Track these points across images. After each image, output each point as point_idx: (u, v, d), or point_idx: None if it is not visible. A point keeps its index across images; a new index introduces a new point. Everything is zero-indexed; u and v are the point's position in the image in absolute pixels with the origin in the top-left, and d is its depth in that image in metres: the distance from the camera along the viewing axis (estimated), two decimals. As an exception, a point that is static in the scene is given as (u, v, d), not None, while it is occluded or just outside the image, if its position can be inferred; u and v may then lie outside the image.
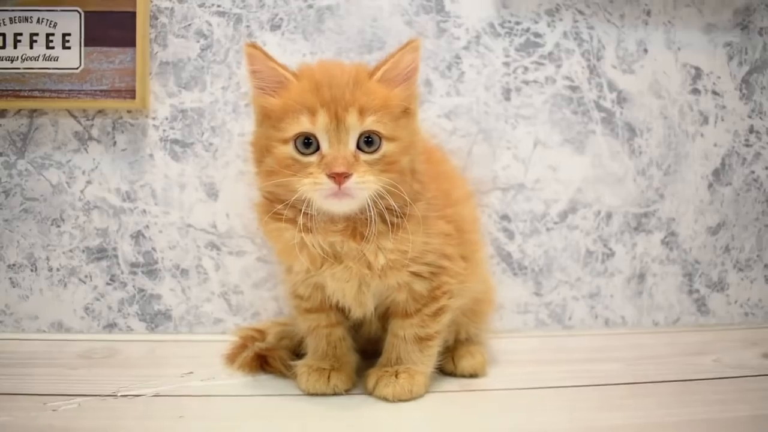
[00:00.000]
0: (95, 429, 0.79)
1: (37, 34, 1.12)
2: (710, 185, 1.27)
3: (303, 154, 0.82)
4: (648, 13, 1.23)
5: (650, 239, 1.26)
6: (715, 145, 1.27)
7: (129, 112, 1.16)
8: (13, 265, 1.16)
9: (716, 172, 1.28)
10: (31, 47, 1.12)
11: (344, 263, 0.86)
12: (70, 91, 1.12)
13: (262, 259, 1.19)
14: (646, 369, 1.02)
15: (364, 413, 0.86)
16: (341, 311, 0.93)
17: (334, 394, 0.90)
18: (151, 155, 1.17)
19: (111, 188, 1.17)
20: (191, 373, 0.98)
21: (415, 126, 0.89)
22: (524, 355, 1.10)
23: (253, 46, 0.85)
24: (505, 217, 1.23)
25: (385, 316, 0.94)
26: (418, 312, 0.90)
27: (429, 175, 0.89)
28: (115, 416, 0.83)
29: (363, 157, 0.82)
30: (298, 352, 1.00)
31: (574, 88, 1.22)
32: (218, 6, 1.16)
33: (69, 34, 1.12)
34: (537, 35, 1.21)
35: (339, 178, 0.79)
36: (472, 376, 0.98)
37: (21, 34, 1.12)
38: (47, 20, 1.12)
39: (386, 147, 0.83)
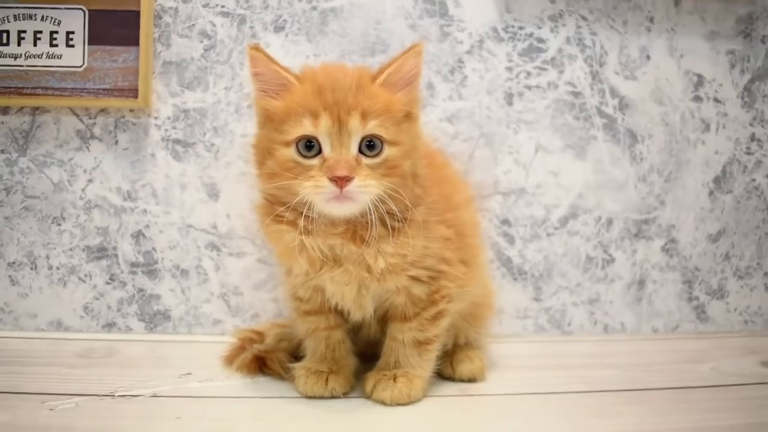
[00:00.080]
0: (93, 429, 0.79)
1: (41, 32, 1.12)
2: (711, 193, 1.27)
3: (305, 157, 0.82)
4: (651, 20, 1.23)
5: (650, 246, 1.26)
6: (717, 152, 1.27)
7: (131, 111, 1.16)
8: (13, 263, 1.16)
9: (717, 180, 1.28)
10: (35, 45, 1.12)
11: (344, 266, 0.86)
12: (72, 89, 1.12)
13: (262, 260, 1.19)
14: (645, 376, 1.02)
15: (361, 417, 0.85)
16: (340, 314, 0.93)
17: (332, 397, 0.90)
18: (152, 155, 1.17)
19: (112, 187, 1.17)
20: (189, 374, 0.98)
21: (417, 130, 0.89)
22: (523, 361, 1.10)
23: (256, 48, 0.85)
24: (505, 222, 1.23)
25: (384, 319, 0.94)
26: (417, 316, 0.90)
27: (430, 179, 0.90)
28: (113, 416, 0.83)
29: (365, 160, 0.82)
30: (296, 355, 1.00)
31: (576, 94, 1.23)
32: (222, 6, 1.16)
33: (73, 32, 1.12)
34: (540, 40, 1.21)
35: (341, 181, 0.79)
36: (471, 380, 0.98)
37: (25, 32, 1.12)
38: (51, 18, 1.12)
39: (388, 151, 0.83)
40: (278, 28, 1.17)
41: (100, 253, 1.17)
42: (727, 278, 1.29)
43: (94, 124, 1.16)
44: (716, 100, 1.26)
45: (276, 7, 1.17)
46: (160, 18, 1.15)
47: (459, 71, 1.20)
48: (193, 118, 1.17)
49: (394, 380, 0.89)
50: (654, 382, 0.99)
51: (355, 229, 0.84)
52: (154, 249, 1.18)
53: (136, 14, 1.12)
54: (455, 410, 0.89)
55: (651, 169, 1.25)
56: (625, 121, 1.24)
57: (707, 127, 1.27)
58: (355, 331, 0.97)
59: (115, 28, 1.12)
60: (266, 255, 1.18)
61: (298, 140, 0.82)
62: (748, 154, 1.28)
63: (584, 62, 1.22)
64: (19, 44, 1.12)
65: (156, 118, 1.16)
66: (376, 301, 0.92)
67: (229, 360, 1.01)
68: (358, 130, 0.81)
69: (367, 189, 0.81)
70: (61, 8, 1.12)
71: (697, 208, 1.27)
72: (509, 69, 1.21)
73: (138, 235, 1.17)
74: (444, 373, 0.98)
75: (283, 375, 0.96)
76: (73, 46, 1.12)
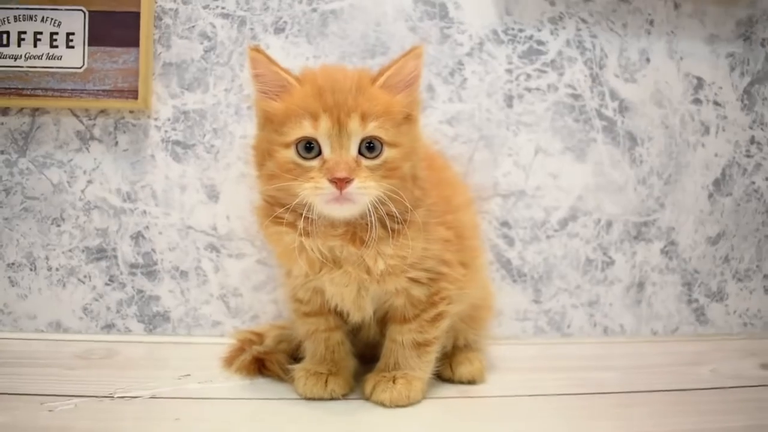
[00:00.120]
0: (92, 430, 0.79)
1: (41, 33, 1.12)
2: (710, 195, 1.28)
3: (304, 158, 0.82)
4: (651, 23, 1.24)
5: (650, 248, 1.26)
6: (716, 155, 1.27)
7: (131, 112, 1.16)
8: (12, 264, 1.16)
9: (717, 182, 1.28)
10: (35, 46, 1.12)
11: (343, 268, 0.86)
12: (72, 90, 1.12)
13: (262, 261, 1.19)
14: (644, 378, 1.02)
15: (361, 418, 0.85)
16: (340, 315, 0.93)
17: (332, 398, 0.90)
18: (152, 156, 1.17)
19: (112, 188, 1.17)
20: (189, 375, 0.98)
21: (416, 132, 0.89)
22: (523, 363, 1.10)
23: (257, 49, 0.85)
24: (505, 224, 1.23)
25: (383, 320, 0.94)
26: (417, 317, 0.90)
27: (430, 181, 0.90)
28: (112, 417, 0.83)
29: (364, 162, 0.82)
30: (296, 356, 1.00)
31: (576, 96, 1.23)
32: (222, 8, 1.16)
33: (73, 34, 1.12)
34: (540, 43, 1.22)
35: (340, 183, 0.79)
36: (470, 382, 0.98)
37: (25, 33, 1.12)
38: (51, 19, 1.12)
39: (388, 153, 0.83)
40: (278, 30, 1.17)
41: (99, 254, 1.17)
42: (726, 281, 1.29)
43: (94, 125, 1.16)
44: (716, 103, 1.27)
45: (276, 9, 1.17)
46: (161, 19, 1.15)
47: (459, 73, 1.20)
48: (193, 120, 1.17)
49: (394, 382, 0.89)
50: (653, 384, 0.99)
51: (355, 230, 0.84)
52: (153, 250, 1.18)
53: (136, 15, 1.12)
54: (454, 412, 0.89)
55: (651, 172, 1.25)
56: (624, 124, 1.24)
57: (707, 130, 1.27)
58: (354, 332, 0.97)
59: (115, 30, 1.12)
60: (266, 256, 1.18)
61: (297, 142, 0.82)
62: (748, 156, 1.28)
63: (584, 65, 1.23)
64: (19, 45, 1.12)
65: (156, 119, 1.16)
66: (375, 303, 0.92)
67: (229, 361, 1.01)
68: (357, 132, 0.81)
69: (366, 190, 0.81)
70: (61, 9, 1.12)
71: (696, 211, 1.27)
72: (509, 71, 1.21)
73: (137, 237, 1.17)
74: (443, 375, 0.98)
75: (282, 376, 0.96)
76: (73, 47, 1.12)
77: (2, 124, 1.15)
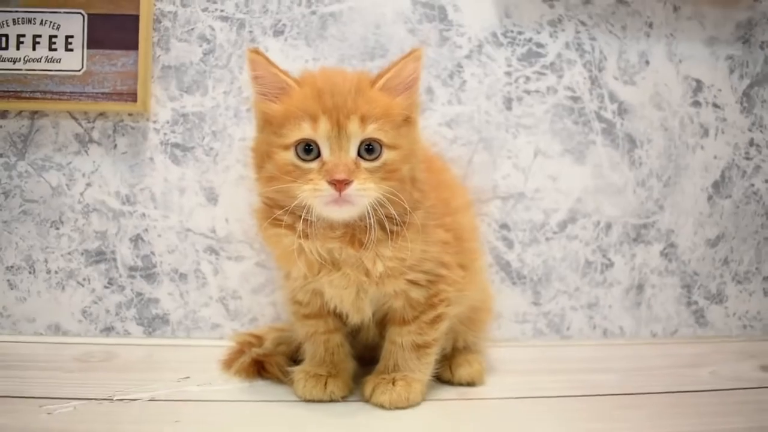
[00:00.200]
0: (91, 433, 0.79)
1: (40, 36, 1.12)
2: (710, 197, 1.28)
3: (304, 160, 0.82)
4: (650, 26, 1.24)
5: (649, 250, 1.26)
6: (715, 157, 1.27)
7: (130, 115, 1.16)
8: (11, 266, 1.16)
9: (716, 185, 1.28)
10: (34, 49, 1.12)
11: (342, 270, 0.86)
12: (71, 93, 1.12)
13: (261, 264, 1.18)
14: (643, 380, 1.02)
15: (360, 420, 0.85)
16: (339, 317, 0.93)
17: (331, 400, 0.90)
18: (151, 159, 1.17)
19: (111, 191, 1.17)
20: (188, 377, 0.98)
21: (416, 134, 0.89)
22: (522, 365, 1.09)
23: (256, 51, 0.85)
24: (504, 226, 1.23)
25: (383, 322, 0.94)
26: (416, 319, 0.90)
27: (429, 183, 0.90)
28: (111, 420, 0.82)
29: (364, 164, 0.82)
30: (295, 358, 1.00)
31: (575, 99, 1.23)
32: (221, 11, 1.16)
33: (72, 36, 1.12)
34: (539, 45, 1.22)
35: (339, 184, 0.79)
36: (470, 384, 0.98)
37: (24, 36, 1.12)
38: (50, 22, 1.12)
39: (387, 155, 0.83)
40: (277, 33, 1.17)
41: (98, 257, 1.17)
42: (725, 283, 1.29)
43: (93, 128, 1.16)
44: (715, 106, 1.27)
45: (275, 12, 1.17)
46: (160, 22, 1.15)
47: (458, 76, 1.20)
48: (192, 122, 1.17)
49: (393, 384, 0.89)
50: (653, 386, 0.99)
51: (354, 232, 0.84)
52: (152, 253, 1.18)
53: (135, 18, 1.12)
54: (454, 414, 0.89)
55: (650, 174, 1.25)
56: (624, 126, 1.24)
57: (706, 132, 1.27)
58: (353, 334, 0.97)
59: (114, 32, 1.12)
60: (265, 259, 1.18)
61: (297, 143, 0.82)
62: (747, 159, 1.28)
63: (583, 67, 1.23)
64: (18, 48, 1.12)
65: (155, 122, 1.16)
66: (374, 305, 0.91)
67: (228, 364, 1.01)
68: (357, 134, 0.81)
69: (365, 192, 0.81)
70: (60, 12, 1.12)
71: (696, 213, 1.27)
72: (508, 74, 1.21)
73: (136, 239, 1.17)
74: (443, 377, 0.98)
75: (281, 379, 0.96)
76: (72, 50, 1.12)
77: (1, 127, 1.15)
